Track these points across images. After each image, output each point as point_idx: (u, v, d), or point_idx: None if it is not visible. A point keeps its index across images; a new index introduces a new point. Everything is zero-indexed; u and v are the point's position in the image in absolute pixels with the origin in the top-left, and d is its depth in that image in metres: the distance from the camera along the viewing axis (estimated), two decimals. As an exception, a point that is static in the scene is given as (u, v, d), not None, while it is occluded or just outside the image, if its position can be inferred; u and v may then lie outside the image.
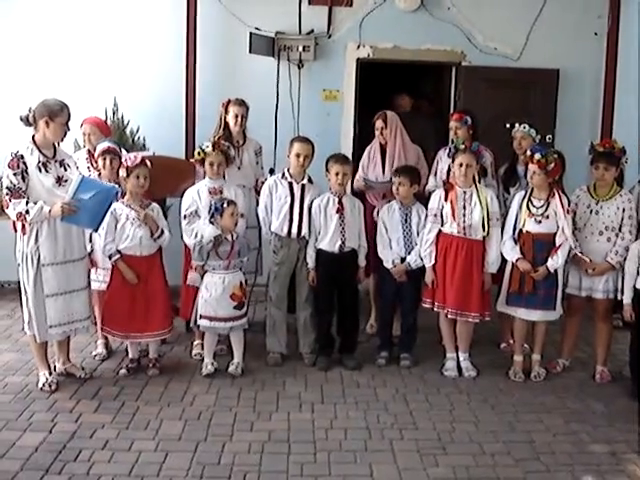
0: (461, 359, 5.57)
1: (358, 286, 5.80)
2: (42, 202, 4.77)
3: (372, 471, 4.06)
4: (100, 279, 5.55)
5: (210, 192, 5.53)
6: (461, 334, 5.54)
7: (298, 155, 5.52)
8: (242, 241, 5.40)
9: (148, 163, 5.27)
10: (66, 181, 4.94)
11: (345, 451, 4.29)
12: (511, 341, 5.84)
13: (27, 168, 4.80)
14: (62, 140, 5.05)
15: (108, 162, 5.46)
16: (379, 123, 6.12)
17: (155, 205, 5.42)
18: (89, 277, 5.47)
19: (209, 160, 5.50)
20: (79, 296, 5.12)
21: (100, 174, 5.66)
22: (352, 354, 5.71)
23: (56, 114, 4.84)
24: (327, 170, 5.55)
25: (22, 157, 4.80)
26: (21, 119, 4.90)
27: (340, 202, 5.54)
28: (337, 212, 5.52)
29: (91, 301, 5.36)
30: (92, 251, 5.49)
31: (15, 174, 4.76)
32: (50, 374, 5.12)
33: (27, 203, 4.75)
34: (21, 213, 4.75)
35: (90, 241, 5.43)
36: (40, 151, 4.89)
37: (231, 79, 7.50)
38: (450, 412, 4.88)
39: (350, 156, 7.09)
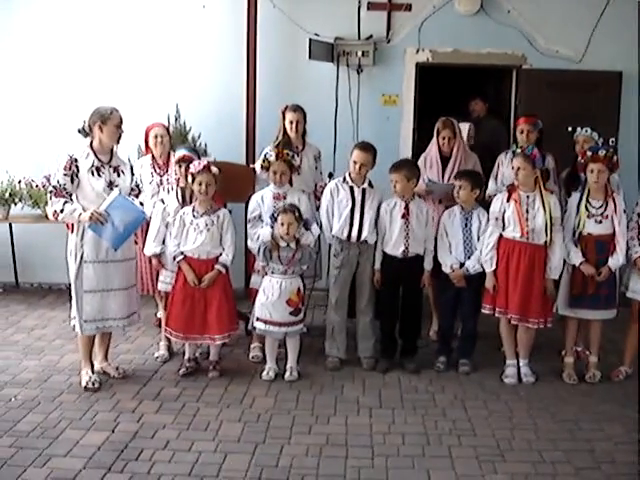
0: (521, 364, 5.51)
1: (422, 290, 5.78)
2: (78, 205, 4.94)
3: (430, 477, 4.04)
4: (167, 281, 5.62)
5: (275, 198, 5.63)
6: (522, 340, 5.47)
7: (355, 162, 5.54)
8: (306, 249, 5.43)
9: (214, 169, 5.32)
10: (117, 186, 5.08)
11: (403, 456, 4.28)
12: (578, 348, 5.75)
13: (78, 172, 4.98)
14: (118, 142, 5.16)
15: (184, 170, 5.50)
16: (446, 132, 6.06)
17: (223, 212, 5.46)
18: (157, 279, 5.69)
19: (272, 169, 5.59)
20: (116, 296, 5.19)
21: (161, 180, 5.82)
22: (412, 357, 5.70)
23: (108, 117, 5.01)
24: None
25: (76, 160, 4.98)
26: (79, 131, 5.12)
27: (407, 207, 5.54)
28: (402, 217, 5.52)
29: (133, 302, 5.37)
30: (162, 253, 5.57)
31: (65, 174, 4.94)
32: (93, 372, 5.24)
33: (64, 203, 4.92)
34: (56, 211, 4.94)
35: (163, 243, 5.53)
36: (96, 155, 5.05)
37: (291, 85, 7.55)
38: (509, 419, 4.83)
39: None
